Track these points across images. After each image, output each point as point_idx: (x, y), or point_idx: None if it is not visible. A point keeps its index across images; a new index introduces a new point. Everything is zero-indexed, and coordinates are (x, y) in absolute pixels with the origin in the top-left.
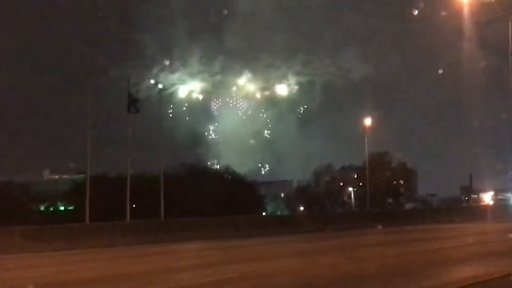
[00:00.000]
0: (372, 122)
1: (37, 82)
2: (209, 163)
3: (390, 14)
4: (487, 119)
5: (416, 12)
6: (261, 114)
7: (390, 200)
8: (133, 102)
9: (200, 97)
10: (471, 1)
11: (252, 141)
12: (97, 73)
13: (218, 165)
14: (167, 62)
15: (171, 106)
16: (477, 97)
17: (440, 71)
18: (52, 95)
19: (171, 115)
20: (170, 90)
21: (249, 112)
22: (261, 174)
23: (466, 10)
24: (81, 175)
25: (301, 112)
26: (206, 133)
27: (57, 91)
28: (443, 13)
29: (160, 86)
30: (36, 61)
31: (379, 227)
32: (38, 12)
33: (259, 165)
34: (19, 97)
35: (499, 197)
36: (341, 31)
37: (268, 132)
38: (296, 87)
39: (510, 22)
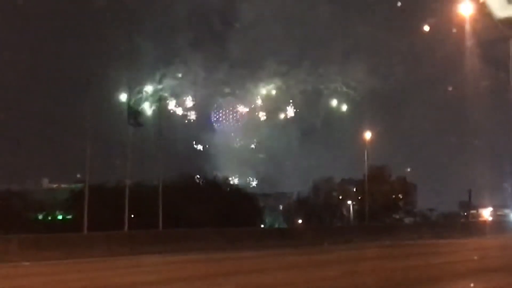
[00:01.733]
0: (373, 135)
1: (36, 90)
2: (208, 174)
3: (395, 30)
4: (488, 135)
5: (424, 29)
6: (261, 125)
7: (389, 214)
8: (134, 115)
9: (201, 107)
10: (477, 19)
11: (252, 153)
12: (97, 81)
13: (218, 176)
14: (167, 71)
15: (171, 115)
16: (478, 114)
17: (450, 88)
18: (51, 103)
19: (170, 125)
20: (170, 100)
21: (250, 123)
22: (260, 186)
23: (471, 28)
24: (80, 184)
25: (302, 123)
26: (206, 144)
27: (57, 99)
28: (448, 30)
29: (160, 95)
30: (35, 68)
31: (378, 241)
32: (34, 17)
33: (256, 177)
34: (18, 104)
35: (498, 213)
36: (345, 44)
37: (268, 143)
38: (297, 99)
39: (511, 42)
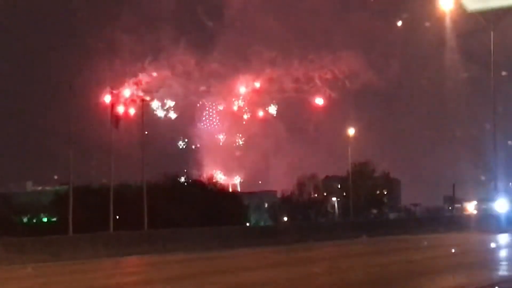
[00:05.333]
0: (357, 132)
1: (18, 93)
2: (193, 174)
3: (374, 25)
4: (471, 129)
5: (400, 23)
6: (246, 123)
7: (373, 210)
8: (115, 116)
9: (184, 105)
10: (455, 12)
11: (236, 151)
12: (79, 83)
13: (202, 176)
14: (151, 70)
15: (154, 115)
16: (461, 108)
17: (423, 82)
18: (34, 106)
19: (154, 125)
20: (154, 99)
21: (234, 120)
22: (245, 184)
23: (450, 21)
24: (64, 186)
25: (286, 121)
26: (191, 143)
27: (40, 102)
28: (427, 23)
29: (143, 95)
30: (18, 71)
31: (363, 237)
32: (14, 21)
33: (241, 175)
34: (0, 108)
35: (482, 206)
36: (326, 42)
37: (253, 141)
38: (281, 97)
39: (491, 33)
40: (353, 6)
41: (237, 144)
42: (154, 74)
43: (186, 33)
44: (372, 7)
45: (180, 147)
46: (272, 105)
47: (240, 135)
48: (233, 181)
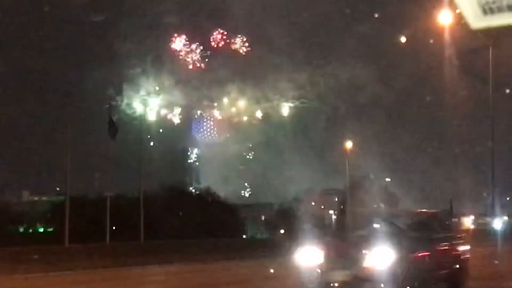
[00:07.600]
0: (354, 146)
1: (16, 101)
2: (191, 187)
3: (375, 39)
4: (472, 145)
5: (403, 39)
6: (244, 136)
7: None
8: (112, 127)
9: (183, 118)
10: (460, 29)
11: (233, 164)
12: (77, 92)
13: (200, 188)
14: (149, 83)
15: (152, 127)
16: (459, 123)
17: (428, 98)
18: (32, 115)
19: (151, 136)
20: (152, 110)
21: (232, 134)
22: (242, 196)
23: (454, 38)
24: (61, 197)
25: (284, 134)
26: (188, 155)
27: (37, 111)
28: (428, 40)
29: (141, 107)
30: (14, 80)
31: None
32: (10, 29)
33: (243, 188)
34: None
35: (479, 221)
36: (325, 53)
37: (250, 154)
38: (279, 109)
39: (490, 51)
40: (358, 19)
41: (237, 155)
42: (155, 81)
43: (188, 39)
44: (378, 21)
45: (180, 157)
46: (273, 115)
47: (240, 147)
48: (231, 193)
